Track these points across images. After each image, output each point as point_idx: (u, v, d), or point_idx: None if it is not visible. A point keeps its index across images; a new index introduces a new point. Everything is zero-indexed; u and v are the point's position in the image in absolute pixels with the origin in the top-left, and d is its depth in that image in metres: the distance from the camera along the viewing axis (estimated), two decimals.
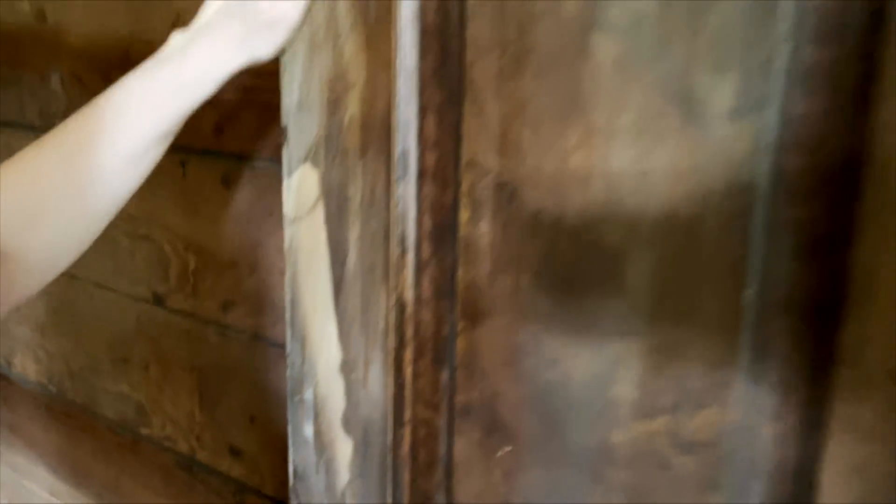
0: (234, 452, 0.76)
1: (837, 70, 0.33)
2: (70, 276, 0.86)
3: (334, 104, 0.48)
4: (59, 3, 0.80)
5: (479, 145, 0.44)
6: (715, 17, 0.36)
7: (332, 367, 0.53)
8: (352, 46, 0.47)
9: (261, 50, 0.47)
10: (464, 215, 0.45)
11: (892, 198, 0.33)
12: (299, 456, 0.56)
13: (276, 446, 0.72)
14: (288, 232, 0.52)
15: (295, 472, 0.57)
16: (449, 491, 0.49)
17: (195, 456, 0.80)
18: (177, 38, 0.48)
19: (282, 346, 0.67)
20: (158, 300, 0.79)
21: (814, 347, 0.36)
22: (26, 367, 0.99)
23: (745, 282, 0.37)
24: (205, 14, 0.48)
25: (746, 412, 0.38)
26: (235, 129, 0.67)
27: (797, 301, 0.36)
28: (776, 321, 0.37)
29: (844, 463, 0.36)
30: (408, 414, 0.50)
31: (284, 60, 0.50)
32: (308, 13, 0.48)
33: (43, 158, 0.47)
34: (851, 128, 0.33)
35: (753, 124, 0.36)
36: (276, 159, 0.55)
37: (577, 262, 0.42)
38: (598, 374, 0.42)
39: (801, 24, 0.34)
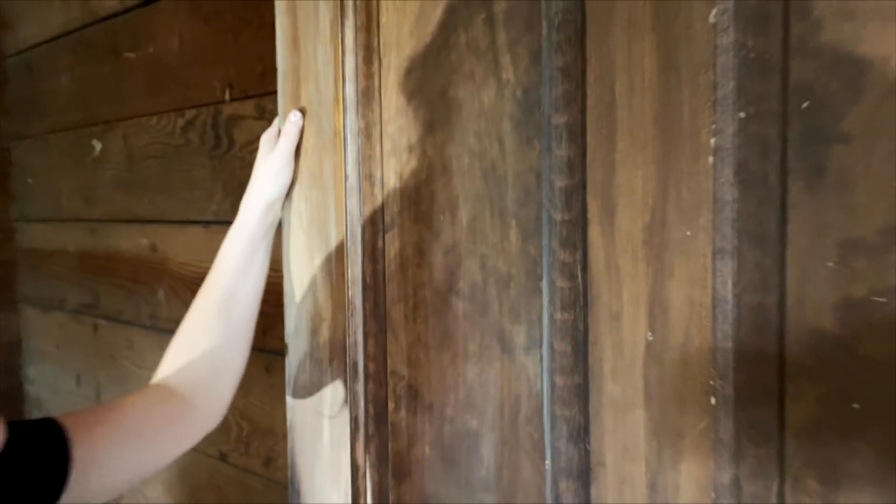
0: None
1: (573, 326, 0.56)
2: None
3: (314, 331, 0.74)
4: (166, 240, 1.13)
5: (397, 361, 0.68)
6: (512, 293, 0.59)
7: None
8: (323, 295, 0.73)
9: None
10: (391, 405, 0.69)
11: (608, 402, 0.54)
12: None
13: None
14: (289, 414, 0.77)
15: None
16: None
17: None
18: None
19: None
20: (223, 456, 1.04)
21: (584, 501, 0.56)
22: None
23: (543, 456, 0.58)
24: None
25: None
26: (274, 332, 0.94)
27: (574, 469, 0.56)
28: (563, 483, 0.57)
29: None
30: None
31: (286, 301, 0.77)
32: (298, 277, 0.75)
33: (192, 321, 0.74)
34: (582, 364, 0.55)
35: (536, 356, 0.58)
36: None
37: (455, 441, 0.64)
38: None
39: (553, 298, 0.57)
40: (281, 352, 0.94)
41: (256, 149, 0.90)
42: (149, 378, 0.73)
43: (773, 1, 0.45)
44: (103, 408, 0.66)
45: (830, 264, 0.44)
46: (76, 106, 1.30)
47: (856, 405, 0.43)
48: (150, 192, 1.15)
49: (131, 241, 1.19)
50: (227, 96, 1.00)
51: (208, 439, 1.06)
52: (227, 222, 0.99)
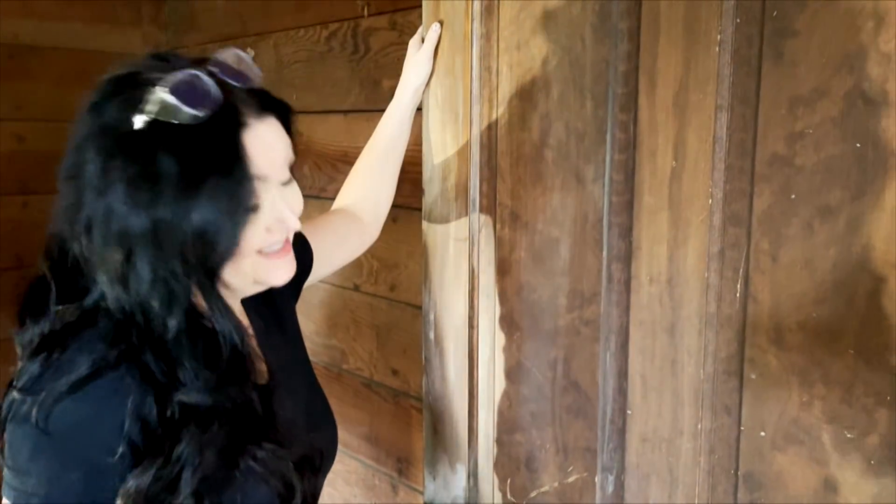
0: (395, 372, 1.34)
1: (625, 163, 0.86)
2: None
3: (444, 178, 1.07)
4: (311, 127, 1.46)
5: (503, 195, 1.00)
6: (586, 143, 0.90)
7: (440, 303, 1.09)
8: (451, 153, 1.05)
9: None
10: (497, 226, 1.01)
11: (645, 209, 0.85)
12: (427, 349, 1.13)
13: (418, 367, 1.29)
14: (424, 238, 1.11)
15: (425, 358, 1.13)
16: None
17: (373, 377, 1.39)
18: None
19: (421, 308, 1.24)
20: (356, 287, 1.40)
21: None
22: None
23: (601, 249, 0.90)
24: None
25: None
26: (399, 191, 1.26)
27: (621, 254, 0.88)
28: (614, 265, 0.89)
29: None
30: (475, 334, 1.05)
31: (424, 159, 1.09)
32: (434, 141, 1.07)
33: (362, 168, 1.09)
34: (630, 187, 0.86)
35: (600, 184, 0.89)
36: (418, 208, 1.13)
37: (542, 246, 0.96)
38: (552, 296, 0.96)
39: (613, 145, 0.87)
40: (402, 206, 1.27)
41: (388, 54, 1.21)
42: None
43: None
44: (319, 220, 1.02)
45: (783, 112, 0.73)
46: (230, 22, 1.62)
47: (793, 196, 0.74)
48: (296, 90, 1.48)
49: None
50: (365, 13, 1.30)
51: (344, 274, 1.42)
52: (363, 111, 1.32)
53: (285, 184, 0.73)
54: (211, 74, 0.67)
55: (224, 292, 0.72)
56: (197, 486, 0.65)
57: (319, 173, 1.45)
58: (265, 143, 0.68)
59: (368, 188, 1.08)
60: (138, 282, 0.64)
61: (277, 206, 0.71)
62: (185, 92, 0.63)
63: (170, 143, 0.62)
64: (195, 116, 0.63)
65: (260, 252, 0.72)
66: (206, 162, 0.63)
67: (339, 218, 1.06)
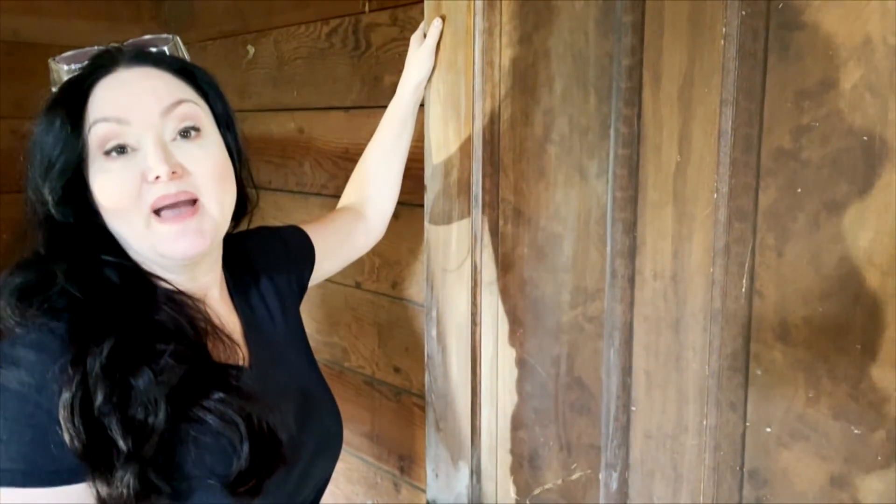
0: (396, 370, 1.34)
1: (629, 158, 0.86)
2: None
3: (447, 174, 1.06)
4: (312, 124, 1.45)
5: (506, 191, 0.99)
6: (589, 138, 0.89)
7: (442, 300, 1.09)
8: (454, 149, 1.04)
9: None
10: (500, 222, 1.01)
11: (649, 204, 0.84)
12: (430, 347, 1.12)
13: (420, 364, 1.28)
14: (426, 235, 1.10)
15: (428, 355, 1.13)
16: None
17: (374, 375, 1.38)
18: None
19: (423, 306, 1.23)
20: (357, 285, 1.39)
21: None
22: None
23: (605, 244, 0.89)
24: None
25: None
26: (401, 187, 1.26)
27: (625, 250, 0.87)
28: (618, 260, 0.88)
29: None
30: (477, 330, 1.05)
31: (426, 155, 1.08)
32: (436, 138, 1.06)
33: (366, 166, 1.09)
34: (634, 182, 0.85)
35: (604, 179, 0.88)
36: (420, 205, 1.13)
37: (545, 242, 0.96)
38: (556, 292, 0.95)
39: (617, 140, 0.87)
40: (404, 202, 1.27)
41: (390, 50, 1.21)
42: None
43: None
44: (324, 219, 1.02)
45: (789, 106, 0.73)
46: (231, 19, 1.62)
47: (799, 190, 0.73)
48: (297, 86, 1.47)
49: (281, 125, 1.52)
50: (366, 8, 1.29)
51: (345, 271, 1.42)
52: (365, 107, 1.31)
53: (183, 136, 0.75)
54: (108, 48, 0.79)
55: (181, 280, 0.79)
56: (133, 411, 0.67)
57: (320, 170, 1.44)
58: (125, 85, 0.74)
59: (373, 186, 1.08)
60: (29, 203, 0.79)
61: (147, 154, 0.72)
62: (64, 58, 0.78)
63: (53, 95, 0.77)
64: (69, 70, 0.77)
65: (154, 213, 0.73)
66: (59, 100, 0.75)
67: (343, 216, 1.06)
